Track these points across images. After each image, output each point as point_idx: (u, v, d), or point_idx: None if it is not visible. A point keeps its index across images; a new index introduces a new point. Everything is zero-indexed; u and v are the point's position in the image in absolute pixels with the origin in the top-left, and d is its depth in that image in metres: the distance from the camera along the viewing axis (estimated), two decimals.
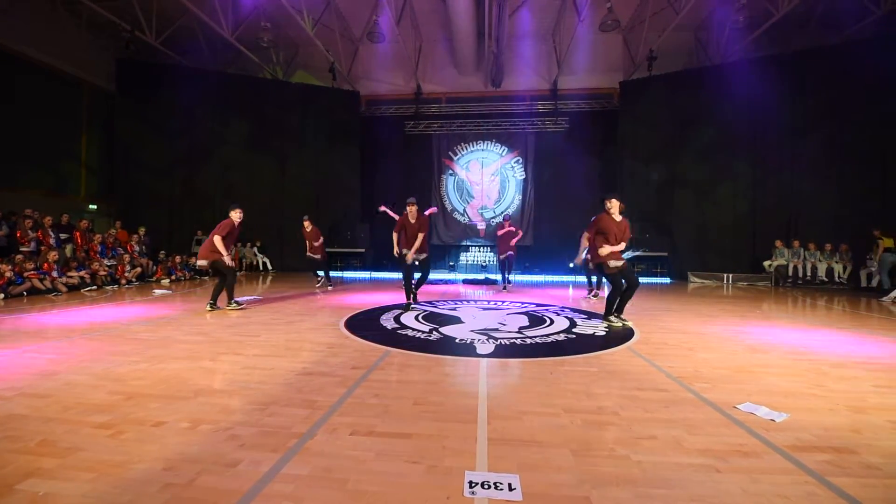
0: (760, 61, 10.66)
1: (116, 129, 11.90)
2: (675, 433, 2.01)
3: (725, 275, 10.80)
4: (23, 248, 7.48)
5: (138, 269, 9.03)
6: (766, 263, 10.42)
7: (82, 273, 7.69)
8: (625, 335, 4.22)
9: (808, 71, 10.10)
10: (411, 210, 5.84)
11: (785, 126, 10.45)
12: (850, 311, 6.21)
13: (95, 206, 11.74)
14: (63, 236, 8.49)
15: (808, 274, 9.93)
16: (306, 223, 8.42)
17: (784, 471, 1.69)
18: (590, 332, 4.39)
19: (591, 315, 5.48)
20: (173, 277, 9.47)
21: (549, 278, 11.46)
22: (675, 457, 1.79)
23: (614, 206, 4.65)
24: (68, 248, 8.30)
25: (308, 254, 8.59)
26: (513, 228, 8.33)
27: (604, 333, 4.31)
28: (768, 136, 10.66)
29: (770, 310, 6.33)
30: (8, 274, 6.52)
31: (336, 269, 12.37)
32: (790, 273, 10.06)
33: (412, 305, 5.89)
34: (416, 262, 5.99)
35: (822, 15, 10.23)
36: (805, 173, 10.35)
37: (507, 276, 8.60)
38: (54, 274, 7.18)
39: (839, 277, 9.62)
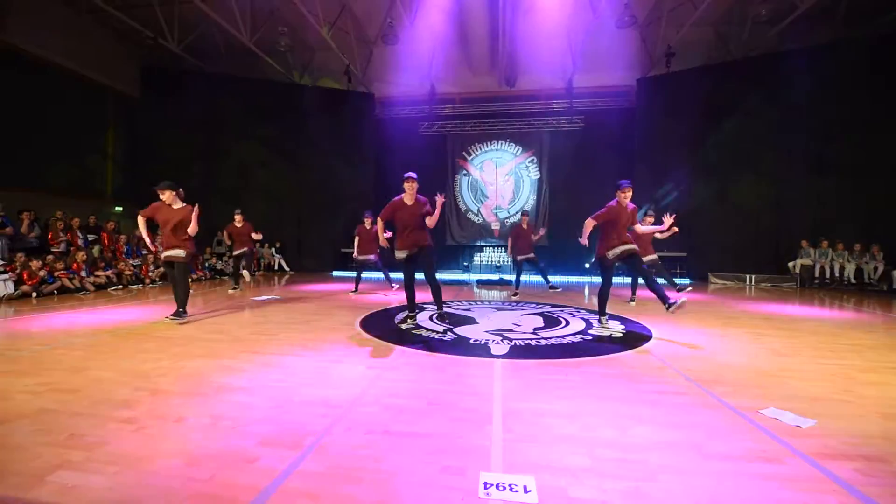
0: (785, 56, 10.31)
1: (140, 133, 12.31)
2: (695, 438, 1.97)
3: (747, 275, 10.49)
4: (53, 249, 7.78)
5: (161, 269, 9.29)
6: (791, 264, 10.09)
7: (109, 273, 7.96)
8: (643, 337, 4.14)
9: (837, 65, 9.71)
10: (410, 188, 4.41)
11: (812, 122, 10.08)
12: (881, 314, 5.95)
13: (121, 208, 12.12)
14: (91, 237, 8.81)
15: (836, 275, 9.57)
16: (238, 217, 7.47)
17: (810, 479, 1.63)
18: (606, 333, 4.32)
19: (608, 317, 5.38)
20: (194, 277, 9.71)
21: (565, 279, 11.32)
22: (696, 462, 1.75)
23: (627, 195, 4.36)
24: (96, 249, 8.60)
25: (237, 251, 7.64)
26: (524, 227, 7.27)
27: (621, 335, 4.24)
28: (794, 133, 10.30)
29: (795, 312, 6.12)
30: (41, 273, 6.80)
31: (351, 269, 12.49)
32: (816, 274, 9.71)
33: (411, 319, 4.67)
34: (408, 258, 4.49)
35: (849, 7, 9.84)
36: (833, 171, 9.96)
37: (520, 279, 7.75)
38: (83, 273, 7.45)
39: (869, 279, 9.24)
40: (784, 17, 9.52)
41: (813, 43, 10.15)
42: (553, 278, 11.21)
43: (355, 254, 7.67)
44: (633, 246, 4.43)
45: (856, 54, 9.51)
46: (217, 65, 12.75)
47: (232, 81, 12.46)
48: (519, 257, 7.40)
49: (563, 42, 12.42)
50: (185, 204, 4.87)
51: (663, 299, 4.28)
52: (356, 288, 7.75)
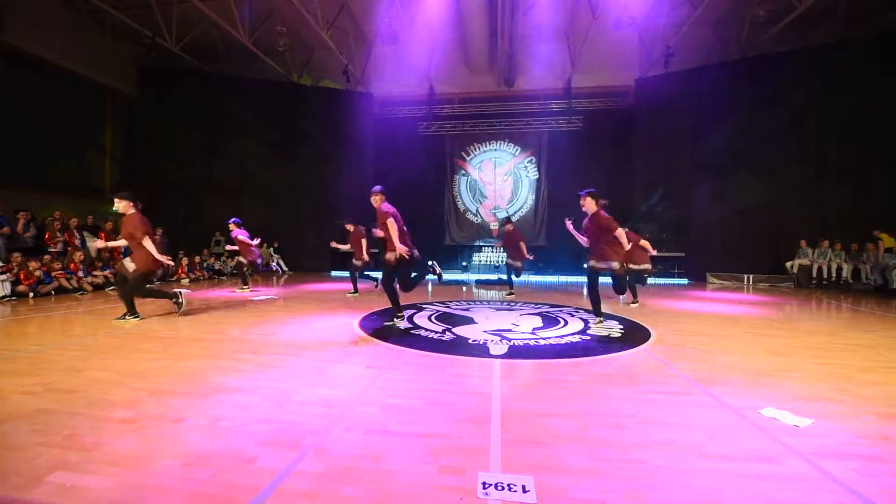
0: (784, 56, 10.34)
1: (138, 132, 12.28)
2: (694, 438, 1.97)
3: (746, 275, 10.51)
4: (50, 249, 7.75)
5: (159, 271, 9.27)
6: (789, 264, 10.12)
7: (107, 273, 7.93)
8: (642, 337, 4.15)
9: (836, 65, 9.74)
10: (372, 201, 4.43)
11: (811, 122, 10.11)
12: (878, 314, 5.97)
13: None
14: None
15: (834, 275, 9.60)
16: (233, 226, 7.60)
17: (808, 478, 1.64)
18: (605, 333, 4.33)
19: (606, 317, 5.38)
20: (193, 277, 9.69)
21: (564, 279, 11.34)
22: (694, 462, 1.75)
23: (584, 203, 4.59)
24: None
25: (241, 258, 7.74)
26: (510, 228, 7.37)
27: (620, 335, 4.24)
28: (793, 133, 10.32)
29: (793, 311, 6.14)
30: (37, 273, 6.77)
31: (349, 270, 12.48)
32: (814, 274, 9.74)
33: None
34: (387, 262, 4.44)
35: (848, 7, 9.87)
36: (832, 171, 9.99)
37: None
38: (80, 273, 7.43)
39: (866, 279, 9.28)
40: (783, 17, 9.54)
41: (812, 43, 10.18)
42: (552, 278, 11.28)
43: (355, 258, 7.72)
44: (599, 265, 4.61)
45: (855, 54, 9.54)
46: (215, 64, 12.72)
47: (230, 81, 12.45)
48: (507, 261, 7.71)
49: (562, 42, 12.44)
50: (133, 212, 4.71)
51: (596, 311, 4.61)
52: (355, 289, 7.77)
